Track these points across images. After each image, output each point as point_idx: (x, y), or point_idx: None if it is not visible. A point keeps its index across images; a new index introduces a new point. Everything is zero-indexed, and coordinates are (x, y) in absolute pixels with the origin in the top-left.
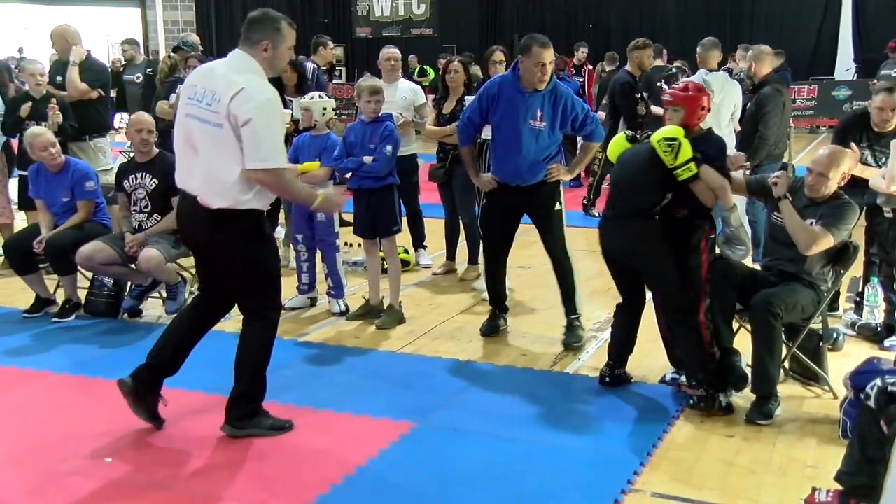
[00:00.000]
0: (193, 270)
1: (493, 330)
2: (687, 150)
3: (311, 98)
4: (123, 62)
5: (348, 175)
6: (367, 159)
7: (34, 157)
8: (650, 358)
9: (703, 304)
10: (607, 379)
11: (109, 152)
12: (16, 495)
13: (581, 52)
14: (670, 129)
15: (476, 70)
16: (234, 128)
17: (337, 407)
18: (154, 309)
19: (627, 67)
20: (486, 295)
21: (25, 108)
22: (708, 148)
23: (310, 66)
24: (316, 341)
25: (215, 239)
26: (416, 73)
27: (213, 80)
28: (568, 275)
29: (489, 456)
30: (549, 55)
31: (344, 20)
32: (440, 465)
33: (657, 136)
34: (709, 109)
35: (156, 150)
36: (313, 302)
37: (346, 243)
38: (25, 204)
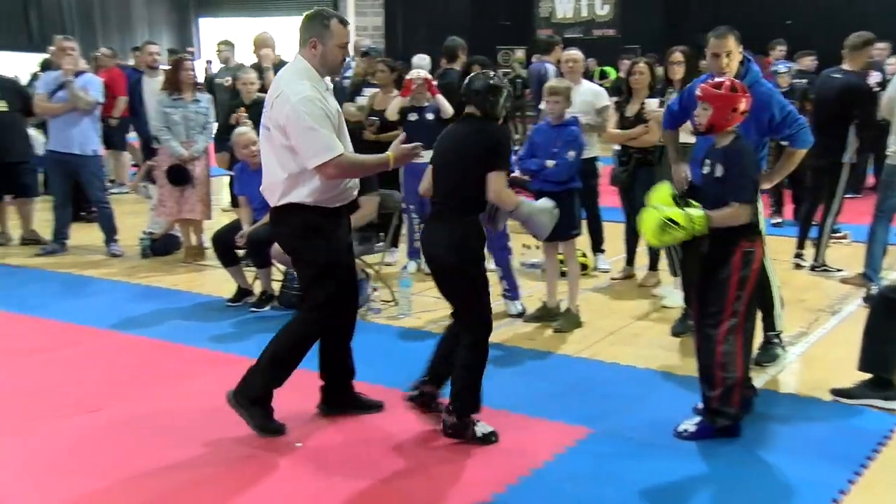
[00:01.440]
0: (377, 267)
1: (684, 329)
2: (689, 217)
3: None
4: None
5: (527, 178)
6: (549, 163)
7: (238, 155)
8: (843, 373)
9: (741, 321)
10: (413, 395)
11: None
12: (212, 470)
13: (779, 50)
14: (663, 201)
15: (661, 71)
16: (279, 131)
17: (513, 408)
18: None
19: (847, 66)
20: (666, 301)
21: (239, 117)
22: (729, 161)
23: (551, 69)
24: (492, 342)
25: (276, 233)
26: (596, 75)
27: (273, 86)
28: (766, 288)
29: (667, 469)
30: (722, 45)
31: (525, 22)
32: (618, 475)
33: (658, 212)
34: (743, 113)
35: None
36: None
37: (523, 245)
38: (235, 200)
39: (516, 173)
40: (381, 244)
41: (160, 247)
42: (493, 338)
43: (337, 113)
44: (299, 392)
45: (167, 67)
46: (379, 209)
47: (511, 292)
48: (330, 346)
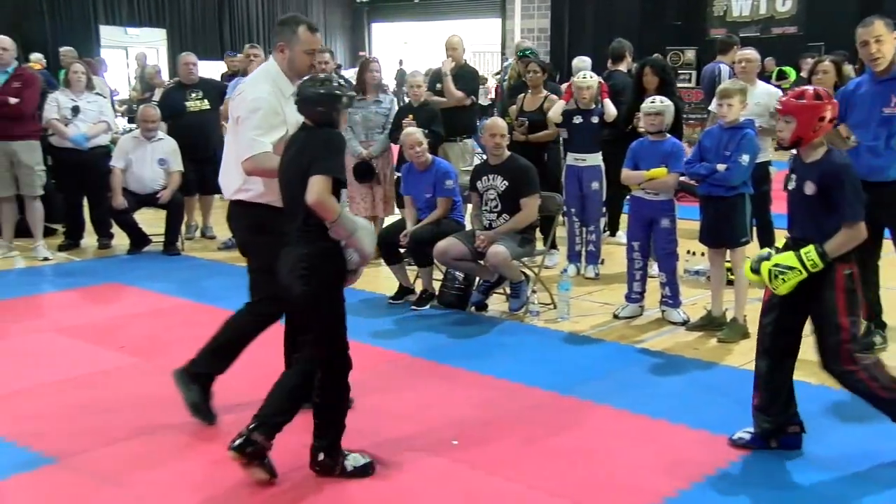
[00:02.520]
0: (537, 270)
1: (866, 347)
2: (799, 257)
3: (663, 102)
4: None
5: (695, 182)
6: (721, 167)
7: (406, 155)
8: None
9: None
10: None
11: (474, 153)
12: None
13: None
14: (786, 256)
15: (849, 70)
16: (235, 125)
17: (673, 418)
18: (498, 304)
19: None
20: None
21: (408, 121)
22: (826, 178)
23: (725, 70)
24: (653, 349)
25: (230, 227)
26: (774, 75)
27: (243, 83)
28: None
29: (847, 494)
30: (870, 31)
31: (697, 22)
32: (788, 497)
33: (766, 262)
34: (832, 121)
35: (507, 153)
36: (641, 310)
37: (688, 251)
38: (399, 200)
39: (684, 178)
40: (541, 247)
41: None
42: (654, 345)
43: (293, 121)
44: (457, 393)
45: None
46: (539, 211)
47: (672, 299)
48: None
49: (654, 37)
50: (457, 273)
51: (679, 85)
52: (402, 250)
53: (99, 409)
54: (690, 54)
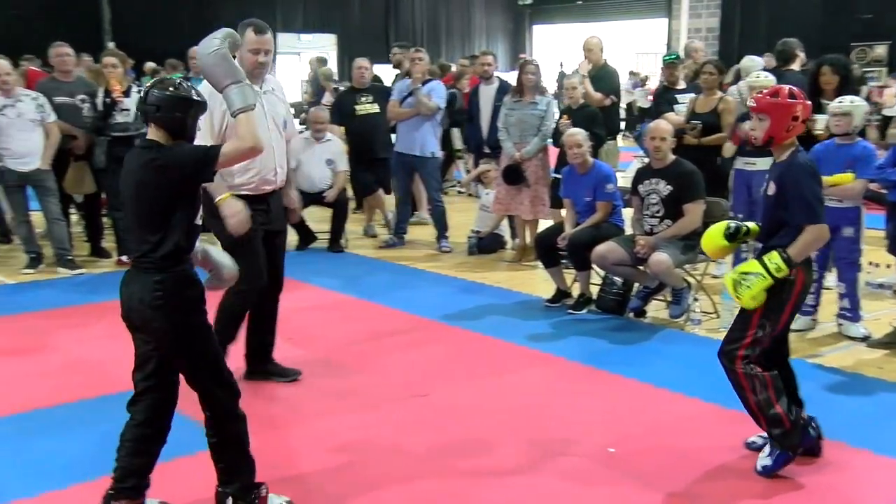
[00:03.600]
0: (700, 277)
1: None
2: (763, 263)
3: (853, 102)
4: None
5: (885, 189)
6: None
7: (568, 157)
8: None
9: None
10: None
11: (618, 155)
12: (516, 463)
13: None
14: (749, 264)
15: None
16: None
17: (853, 440)
18: (658, 311)
19: None
20: None
21: (564, 122)
22: (785, 177)
23: None
24: (829, 365)
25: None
26: None
27: None
28: None
29: None
30: None
31: (891, 15)
32: None
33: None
34: (804, 121)
35: (672, 157)
36: (814, 324)
37: (870, 262)
38: (556, 202)
39: (875, 185)
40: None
41: (485, 244)
42: (831, 361)
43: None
44: (614, 399)
45: (498, 74)
46: (705, 217)
47: (851, 313)
48: (255, 321)
49: (839, 32)
50: (615, 278)
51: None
52: (559, 253)
53: (265, 396)
54: (881, 50)
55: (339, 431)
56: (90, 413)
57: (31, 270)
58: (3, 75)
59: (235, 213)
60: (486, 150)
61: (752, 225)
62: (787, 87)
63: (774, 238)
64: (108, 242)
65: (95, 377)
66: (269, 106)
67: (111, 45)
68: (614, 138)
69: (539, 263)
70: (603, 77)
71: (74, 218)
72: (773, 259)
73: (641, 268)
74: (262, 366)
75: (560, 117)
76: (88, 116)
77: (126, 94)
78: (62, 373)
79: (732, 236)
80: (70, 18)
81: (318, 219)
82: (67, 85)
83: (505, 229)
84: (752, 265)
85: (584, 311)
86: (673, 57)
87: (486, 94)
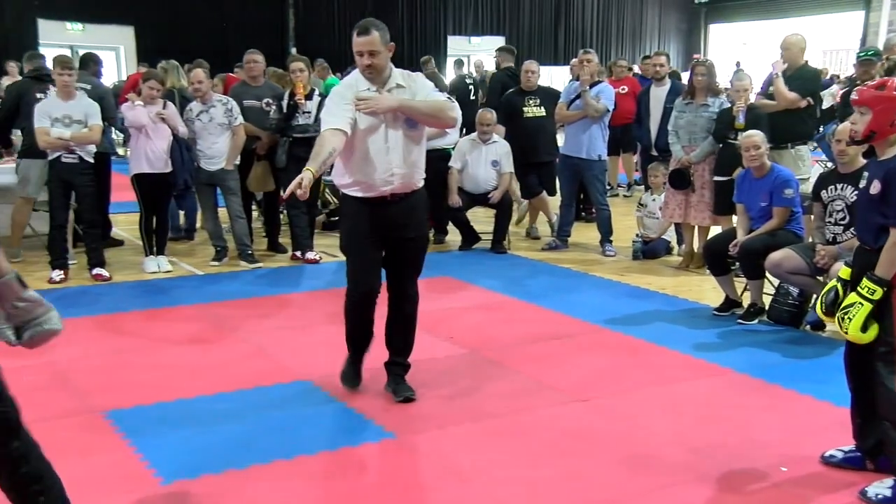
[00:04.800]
0: None
1: None
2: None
3: None
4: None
5: None
6: None
7: (743, 160)
8: None
9: None
10: None
11: (809, 161)
12: (682, 475)
13: None
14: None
15: None
16: None
17: None
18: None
19: None
20: None
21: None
22: (891, 178)
23: None
24: None
25: None
26: None
27: None
28: None
29: None
30: None
31: None
32: None
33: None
34: None
35: (861, 161)
36: None
37: None
38: (722, 207)
39: None
40: None
41: (651, 249)
42: None
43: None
44: (787, 416)
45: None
46: None
47: None
48: (388, 322)
49: None
50: (790, 288)
51: None
52: (730, 260)
53: (435, 394)
54: None
55: (499, 433)
56: (265, 400)
57: (217, 263)
58: (196, 83)
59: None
60: (654, 154)
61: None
62: (894, 80)
63: (865, 237)
64: (284, 238)
65: (272, 366)
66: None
67: (293, 50)
68: (805, 143)
69: (707, 270)
70: (800, 77)
71: (254, 214)
72: (865, 285)
73: (821, 278)
74: (389, 367)
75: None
76: (273, 118)
77: (308, 97)
78: (242, 360)
79: (830, 309)
80: (260, 28)
81: (481, 220)
82: (256, 89)
83: (671, 234)
84: (850, 298)
85: (756, 321)
86: (870, 53)
87: (657, 95)
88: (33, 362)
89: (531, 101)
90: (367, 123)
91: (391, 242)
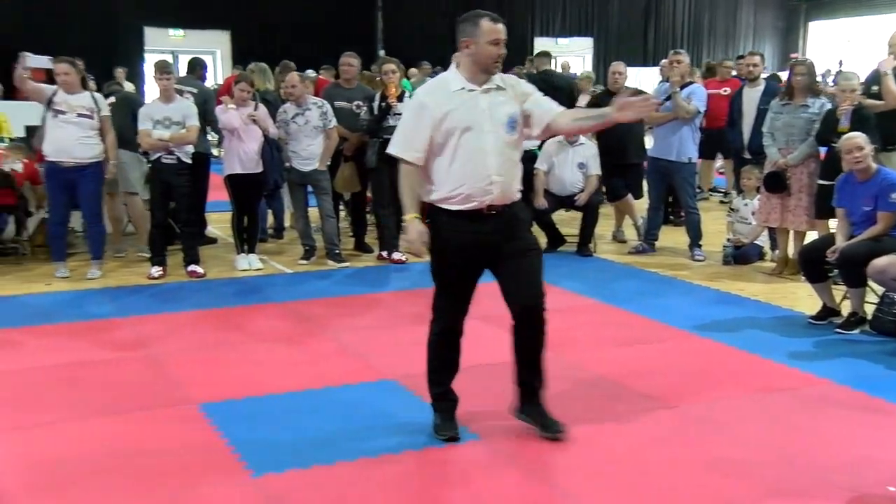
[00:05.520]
0: None
1: None
2: None
3: None
4: None
5: None
6: None
7: (843, 162)
8: None
9: None
10: None
11: None
12: (778, 487)
13: None
14: None
15: None
16: None
17: None
18: None
19: None
20: None
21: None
22: None
23: None
24: None
25: None
26: None
27: None
28: None
29: None
30: None
31: None
32: None
33: None
34: None
35: None
36: None
37: None
38: (822, 212)
39: None
40: None
41: (742, 255)
42: None
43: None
44: (890, 433)
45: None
46: None
47: None
48: (515, 355)
49: None
50: None
51: None
52: (827, 267)
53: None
54: None
55: (582, 437)
56: (352, 398)
57: (305, 262)
58: (289, 87)
59: (410, 241)
60: (747, 156)
61: None
62: None
63: None
64: (371, 238)
65: (358, 365)
66: (490, 105)
67: (382, 52)
68: None
69: (802, 277)
70: None
71: (342, 214)
72: None
73: None
74: (527, 407)
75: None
76: (364, 120)
77: (400, 99)
78: (329, 358)
79: None
80: (350, 30)
81: (566, 222)
82: (348, 91)
83: (764, 239)
84: None
85: (856, 331)
86: None
87: (751, 96)
88: (132, 355)
89: None
90: (461, 126)
91: (497, 260)
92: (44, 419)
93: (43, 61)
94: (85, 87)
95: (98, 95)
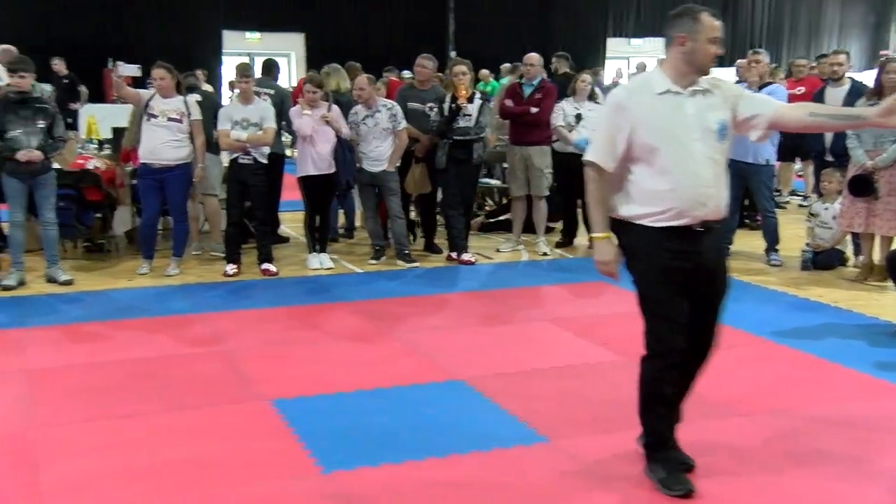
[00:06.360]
0: None
1: None
2: None
3: None
4: None
5: None
6: None
7: None
8: None
9: None
10: None
11: None
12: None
13: None
14: None
15: None
16: None
17: None
18: None
19: None
20: None
21: None
22: None
23: None
24: None
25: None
26: None
27: None
28: None
29: None
30: None
31: None
32: None
33: None
34: None
35: None
36: None
37: None
38: None
39: None
40: None
41: (823, 260)
42: None
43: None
44: None
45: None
46: None
47: None
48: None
49: None
50: None
51: None
52: None
53: (587, 400)
54: None
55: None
56: (420, 397)
57: (375, 261)
58: (358, 90)
59: (605, 263)
60: (829, 159)
61: None
62: None
63: None
64: (440, 239)
65: (426, 365)
66: (699, 110)
67: (453, 54)
68: None
69: (890, 284)
70: None
71: (411, 215)
72: None
73: None
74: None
75: None
76: (434, 121)
77: (470, 100)
78: (398, 358)
79: None
80: (421, 32)
81: None
82: (422, 92)
83: (846, 244)
84: None
85: None
86: None
87: (833, 96)
88: (208, 350)
89: None
90: (665, 133)
91: (706, 285)
92: (122, 411)
93: (132, 69)
94: (179, 91)
95: (190, 100)
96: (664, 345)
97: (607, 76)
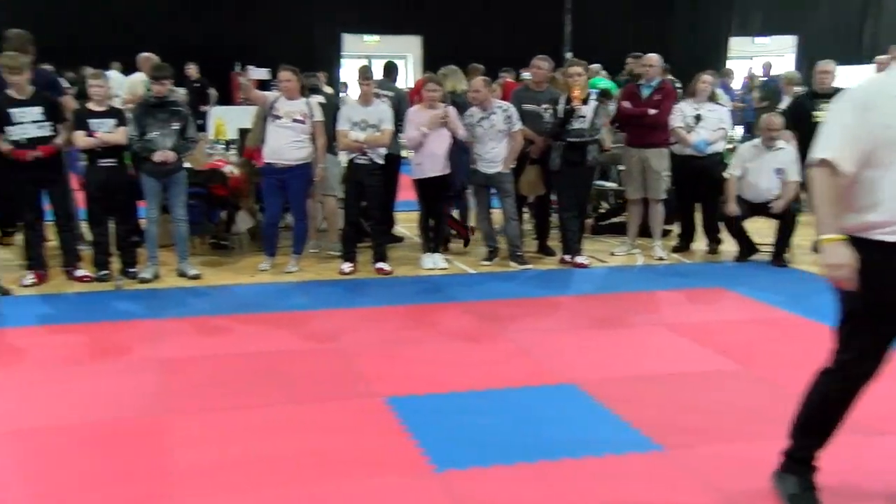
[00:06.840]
0: None
1: None
2: None
3: None
4: None
5: None
6: None
7: None
8: None
9: None
10: None
11: None
12: None
13: None
14: None
15: None
16: None
17: None
18: None
19: None
20: None
21: None
22: None
23: None
24: None
25: None
26: None
27: None
28: None
29: None
30: None
31: None
32: None
33: None
34: None
35: None
36: None
37: None
38: None
39: None
40: None
41: None
42: None
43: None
44: None
45: None
46: None
47: None
48: None
49: None
50: None
51: None
52: None
53: (703, 409)
54: None
55: (774, 458)
56: (532, 399)
57: (488, 262)
58: (473, 92)
59: (839, 267)
60: None
61: None
62: None
63: None
64: (553, 241)
65: (538, 367)
66: None
67: (569, 55)
68: None
69: None
70: None
71: (525, 217)
72: None
73: None
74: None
75: None
76: (549, 122)
77: (585, 101)
78: (510, 359)
79: None
80: (537, 33)
81: (760, 230)
82: (537, 94)
83: None
84: None
85: None
86: None
87: None
88: (324, 346)
89: (824, 105)
90: None
91: None
92: (244, 402)
93: (261, 73)
94: (303, 93)
95: (313, 102)
96: (862, 368)
97: (737, 78)
